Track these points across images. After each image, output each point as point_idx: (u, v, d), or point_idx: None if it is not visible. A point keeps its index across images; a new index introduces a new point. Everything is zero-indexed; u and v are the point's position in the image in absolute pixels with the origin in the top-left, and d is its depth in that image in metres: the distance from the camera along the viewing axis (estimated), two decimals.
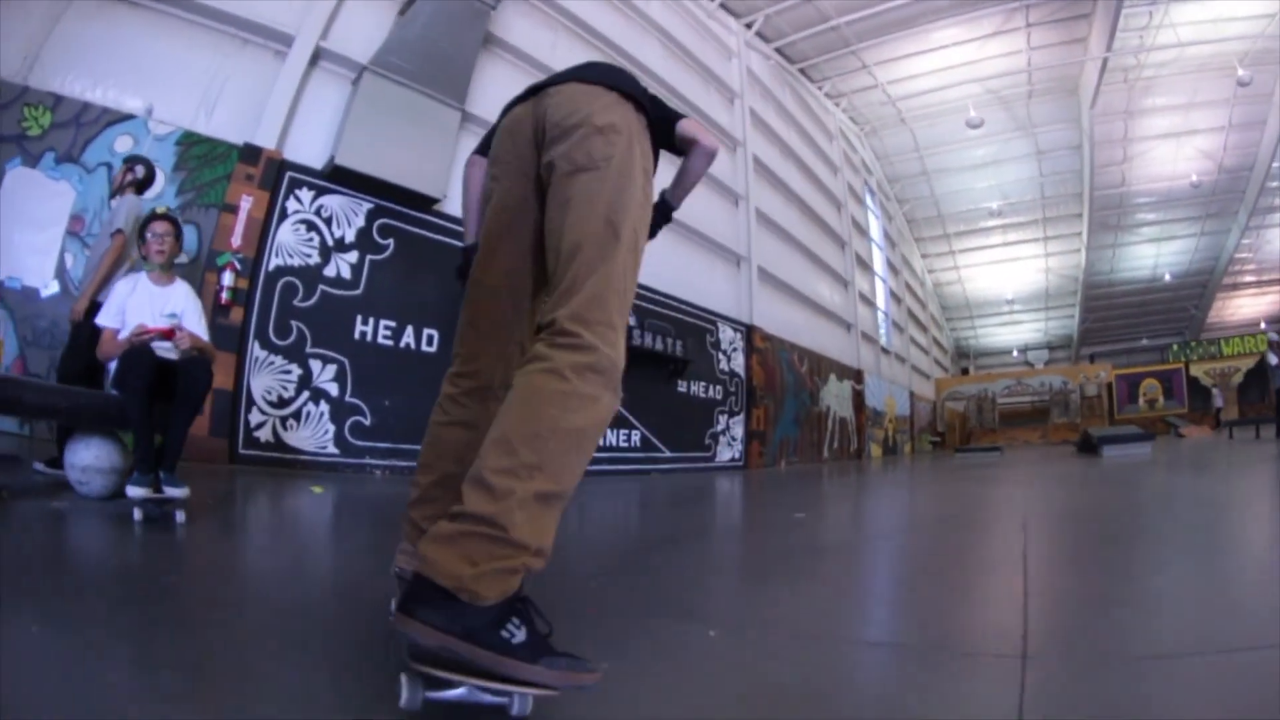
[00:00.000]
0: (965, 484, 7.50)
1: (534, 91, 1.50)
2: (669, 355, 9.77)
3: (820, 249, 16.44)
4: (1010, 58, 19.15)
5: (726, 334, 11.66)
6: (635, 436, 9.30)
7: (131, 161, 4.33)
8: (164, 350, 2.88)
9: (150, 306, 3.07)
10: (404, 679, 1.07)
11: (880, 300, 21.57)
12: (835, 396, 16.37)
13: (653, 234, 1.66)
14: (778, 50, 16.35)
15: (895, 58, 18.31)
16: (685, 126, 1.66)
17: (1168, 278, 29.52)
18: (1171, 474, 7.39)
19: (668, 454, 9.87)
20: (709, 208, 11.62)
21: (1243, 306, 32.49)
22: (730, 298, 12.12)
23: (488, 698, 1.10)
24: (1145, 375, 28.52)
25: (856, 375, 17.88)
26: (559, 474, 1.12)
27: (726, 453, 11.32)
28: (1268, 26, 18.45)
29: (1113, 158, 23.50)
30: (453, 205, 7.03)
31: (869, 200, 22.19)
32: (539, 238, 1.41)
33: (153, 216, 3.30)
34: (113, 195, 4.40)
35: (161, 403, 2.79)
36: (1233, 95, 21.37)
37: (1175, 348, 31.19)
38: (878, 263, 21.95)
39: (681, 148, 1.70)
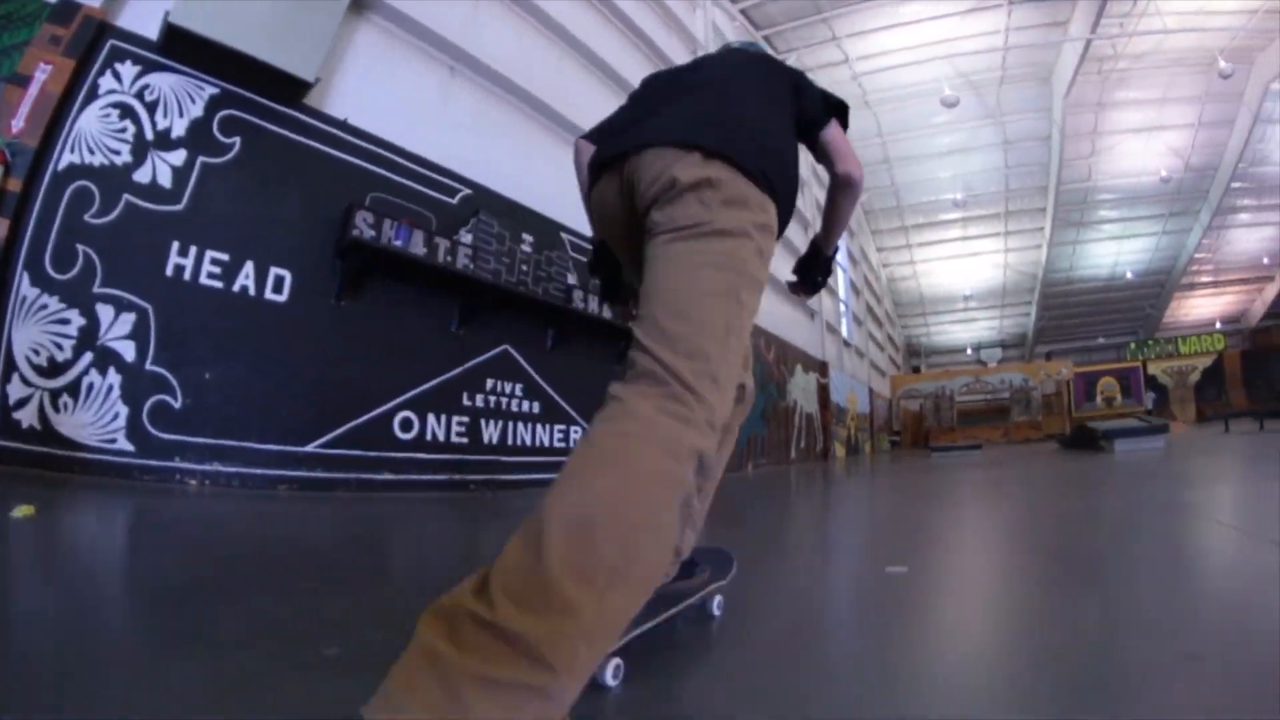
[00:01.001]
0: (1026, 488, 5.93)
1: (613, 159, 1.35)
2: (622, 327, 7.68)
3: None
4: (987, 38, 18.12)
5: None
6: (576, 434, 7.35)
7: None
8: None
9: None
10: None
11: (841, 291, 20.41)
12: (802, 390, 15.04)
13: (816, 287, 1.78)
14: (743, 12, 15.05)
15: (867, 30, 17.12)
16: (831, 139, 1.50)
17: (1129, 275, 29.53)
18: (1239, 465, 6.25)
19: None
20: None
21: (1198, 307, 32.82)
22: None
23: None
24: (1103, 373, 28.27)
25: (822, 368, 16.68)
26: (637, 573, 0.91)
27: None
28: (1249, 20, 17.98)
29: (1080, 151, 22.93)
30: (330, 102, 5.37)
31: None
32: None
33: None
34: None
35: None
36: (1205, 92, 21.20)
37: (1134, 346, 31.28)
38: (839, 251, 20.71)
39: (818, 157, 1.55)
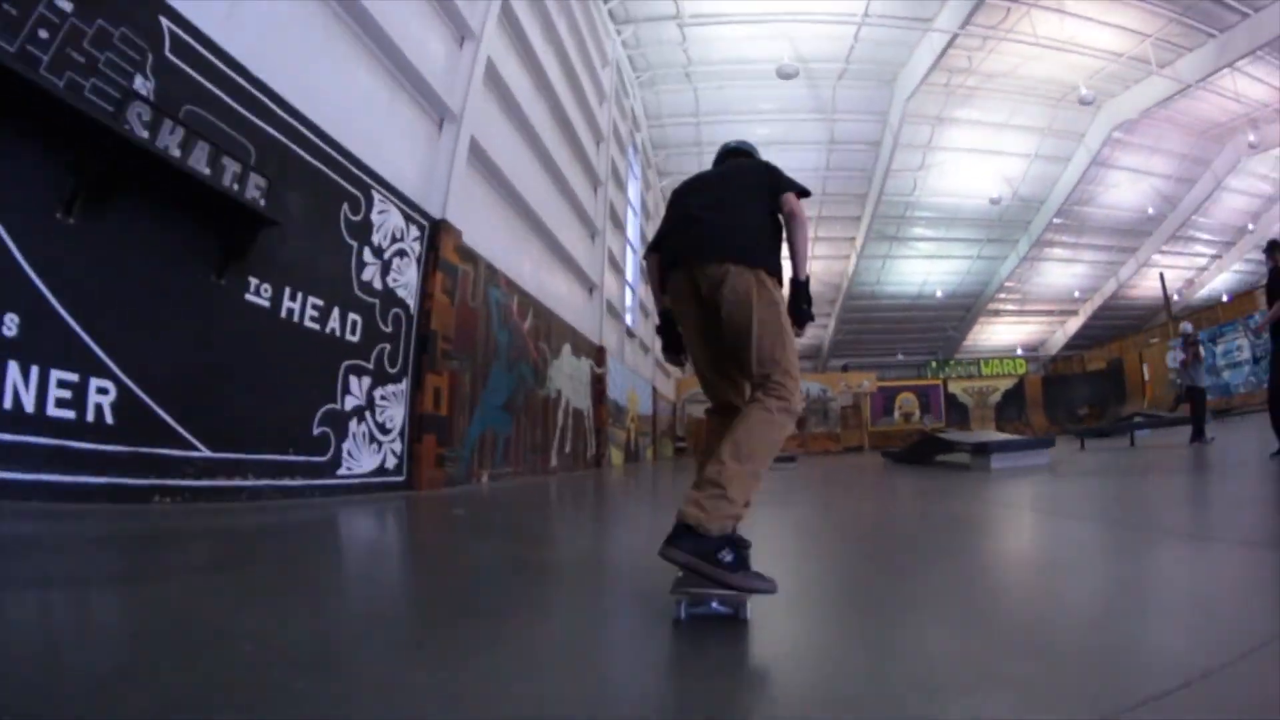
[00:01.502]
0: (969, 521, 4.13)
1: (680, 260, 2.15)
2: (222, 193, 4.15)
3: (570, 173, 12.29)
4: (840, 26, 16.16)
5: (392, 220, 6.37)
6: (105, 397, 3.66)
7: None
8: None
9: None
10: (678, 601, 1.77)
11: (630, 273, 18.19)
12: (569, 378, 11.76)
13: (805, 316, 2.20)
14: None
15: None
16: (788, 200, 2.17)
17: (939, 295, 29.81)
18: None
19: (206, 453, 4.26)
20: (412, 15, 7.03)
21: (999, 333, 34.19)
22: (415, 170, 7.02)
23: (722, 609, 1.78)
24: (902, 389, 28.50)
25: (598, 354, 13.72)
26: (760, 461, 1.90)
27: (369, 458, 5.72)
28: (1115, 60, 17.35)
29: (910, 163, 22.04)
30: None
31: (631, 156, 18.52)
32: (719, 335, 2.10)
33: None
34: None
35: None
36: (1048, 126, 20.76)
37: (934, 364, 32.00)
38: (631, 228, 18.44)
39: (777, 209, 2.21)
